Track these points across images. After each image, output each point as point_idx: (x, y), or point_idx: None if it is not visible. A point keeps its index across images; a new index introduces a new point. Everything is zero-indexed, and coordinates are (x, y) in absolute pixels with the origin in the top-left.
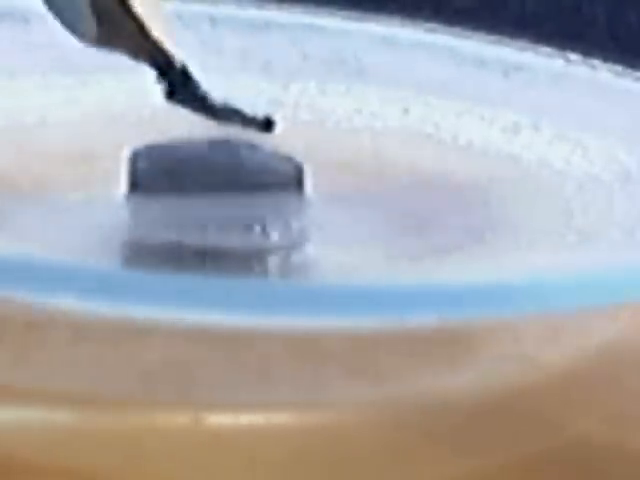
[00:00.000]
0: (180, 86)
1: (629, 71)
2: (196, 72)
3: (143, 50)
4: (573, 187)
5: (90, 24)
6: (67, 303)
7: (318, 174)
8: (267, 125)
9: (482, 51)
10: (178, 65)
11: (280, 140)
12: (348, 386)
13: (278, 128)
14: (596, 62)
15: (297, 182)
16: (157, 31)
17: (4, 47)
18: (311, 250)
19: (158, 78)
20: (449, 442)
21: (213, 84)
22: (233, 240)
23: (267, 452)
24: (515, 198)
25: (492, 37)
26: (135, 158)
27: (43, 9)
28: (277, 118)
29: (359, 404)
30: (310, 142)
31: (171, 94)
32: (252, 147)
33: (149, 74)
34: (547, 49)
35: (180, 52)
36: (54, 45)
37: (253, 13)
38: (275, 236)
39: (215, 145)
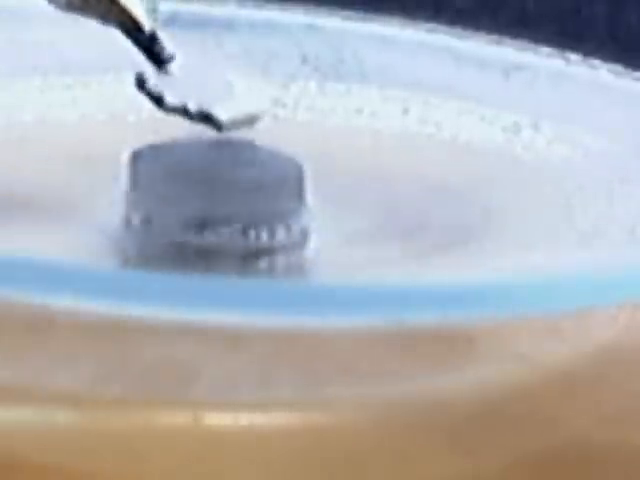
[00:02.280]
0: (149, 49)
1: (629, 71)
2: (194, 75)
3: (112, 15)
4: (573, 187)
5: None
6: (67, 303)
7: (318, 174)
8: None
9: (482, 51)
10: (147, 30)
11: (280, 140)
12: (348, 386)
13: (278, 128)
14: (596, 62)
15: (297, 182)
16: None
17: (4, 47)
18: (311, 250)
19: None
20: (449, 442)
21: (213, 84)
22: (233, 240)
23: (267, 452)
24: (515, 198)
25: (492, 37)
26: (135, 158)
27: (43, 9)
28: (278, 117)
29: (359, 404)
30: (310, 142)
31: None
32: (252, 147)
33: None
34: (547, 49)
35: (148, 20)
36: (54, 45)
37: (253, 13)
38: (275, 236)
39: (215, 145)
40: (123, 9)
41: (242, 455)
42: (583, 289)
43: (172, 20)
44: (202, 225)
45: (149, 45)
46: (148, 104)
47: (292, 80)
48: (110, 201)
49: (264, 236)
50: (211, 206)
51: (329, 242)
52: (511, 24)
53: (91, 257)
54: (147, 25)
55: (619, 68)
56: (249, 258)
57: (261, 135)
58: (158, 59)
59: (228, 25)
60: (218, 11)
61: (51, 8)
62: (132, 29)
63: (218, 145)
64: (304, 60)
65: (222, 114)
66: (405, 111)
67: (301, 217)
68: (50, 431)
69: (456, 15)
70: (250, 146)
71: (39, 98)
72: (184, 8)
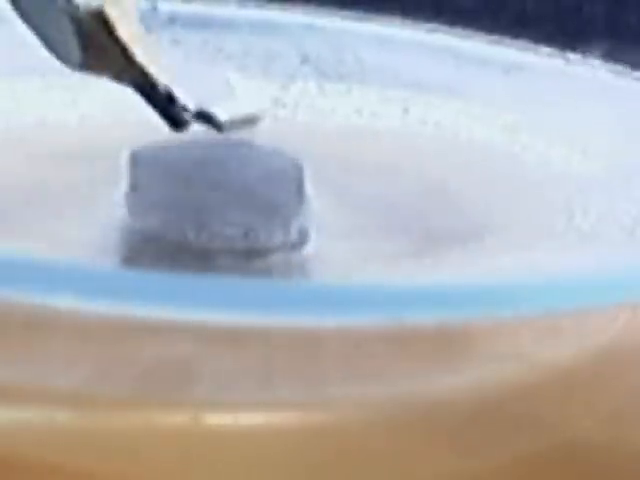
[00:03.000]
0: (165, 110)
1: (629, 71)
2: (194, 75)
3: (127, 74)
4: (573, 187)
5: (74, 49)
6: (67, 303)
7: (318, 174)
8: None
9: (482, 51)
10: (162, 89)
11: (280, 140)
12: (348, 386)
13: (278, 128)
14: (596, 62)
15: (297, 182)
16: (141, 55)
17: (4, 47)
18: (311, 250)
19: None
20: (449, 442)
21: (213, 84)
22: (233, 240)
23: (267, 452)
24: (515, 198)
25: (492, 37)
26: (135, 158)
27: None
28: (278, 117)
29: (359, 404)
30: (310, 142)
31: (177, 126)
32: (252, 147)
33: None
34: (547, 49)
35: (165, 76)
36: None
37: (253, 13)
38: (275, 236)
39: (215, 145)
40: (140, 68)
41: (242, 455)
42: (583, 289)
43: (172, 20)
44: (202, 225)
45: (165, 106)
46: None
47: (292, 80)
48: (110, 201)
49: (264, 236)
50: (211, 206)
51: (329, 242)
52: (511, 24)
53: (91, 257)
54: (162, 85)
55: (619, 68)
56: (249, 258)
57: (261, 135)
58: (174, 121)
59: (228, 25)
60: (218, 11)
61: None
62: (148, 89)
63: (218, 145)
64: (304, 60)
65: (222, 114)
66: (405, 111)
67: (301, 217)
68: (50, 431)
69: (456, 15)
70: (250, 146)
71: (39, 98)
72: (184, 8)
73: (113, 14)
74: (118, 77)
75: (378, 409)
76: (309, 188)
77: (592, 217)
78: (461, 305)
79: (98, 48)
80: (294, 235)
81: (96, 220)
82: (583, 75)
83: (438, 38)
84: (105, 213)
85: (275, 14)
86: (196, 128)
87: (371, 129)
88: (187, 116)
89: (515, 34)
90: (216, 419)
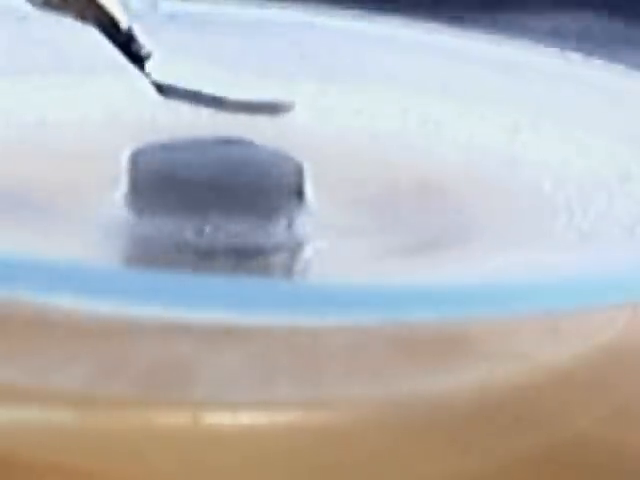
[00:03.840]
0: (126, 48)
1: (629, 71)
2: (196, 72)
3: (90, 13)
4: (573, 187)
5: None
6: (67, 302)
7: (318, 174)
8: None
9: (482, 51)
10: (124, 28)
11: (280, 140)
12: (348, 386)
13: (278, 128)
14: (596, 62)
15: (297, 182)
16: None
17: (4, 47)
18: (311, 250)
19: (108, 40)
20: (449, 442)
21: (213, 84)
22: (233, 239)
23: (267, 452)
24: (515, 197)
25: (492, 37)
26: (135, 158)
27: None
28: (278, 117)
29: (359, 404)
30: (310, 142)
31: (137, 61)
32: (252, 147)
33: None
34: (547, 49)
35: (125, 16)
36: (54, 45)
37: (253, 13)
38: (275, 236)
39: (215, 145)
40: (100, 7)
41: (242, 455)
42: (583, 289)
43: (172, 20)
44: (202, 225)
45: (126, 43)
46: (147, 104)
47: (292, 80)
48: (110, 201)
49: (264, 236)
50: (211, 206)
51: (329, 242)
52: (511, 24)
53: (91, 257)
54: (124, 23)
55: (619, 68)
56: (249, 258)
57: (261, 135)
58: (135, 57)
59: (228, 25)
60: (218, 11)
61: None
62: (109, 27)
63: (218, 145)
64: (304, 60)
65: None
66: (405, 111)
67: (301, 217)
68: (50, 431)
69: (456, 15)
70: (250, 146)
71: (39, 98)
72: (184, 8)
73: None
74: (81, 16)
75: (378, 409)
76: (309, 188)
77: (592, 216)
78: (461, 305)
79: None
80: (294, 235)
81: (96, 220)
82: (583, 75)
83: (438, 38)
84: (105, 213)
85: (275, 14)
86: (195, 128)
87: (371, 129)
88: (145, 53)
89: (515, 34)
90: (216, 419)
